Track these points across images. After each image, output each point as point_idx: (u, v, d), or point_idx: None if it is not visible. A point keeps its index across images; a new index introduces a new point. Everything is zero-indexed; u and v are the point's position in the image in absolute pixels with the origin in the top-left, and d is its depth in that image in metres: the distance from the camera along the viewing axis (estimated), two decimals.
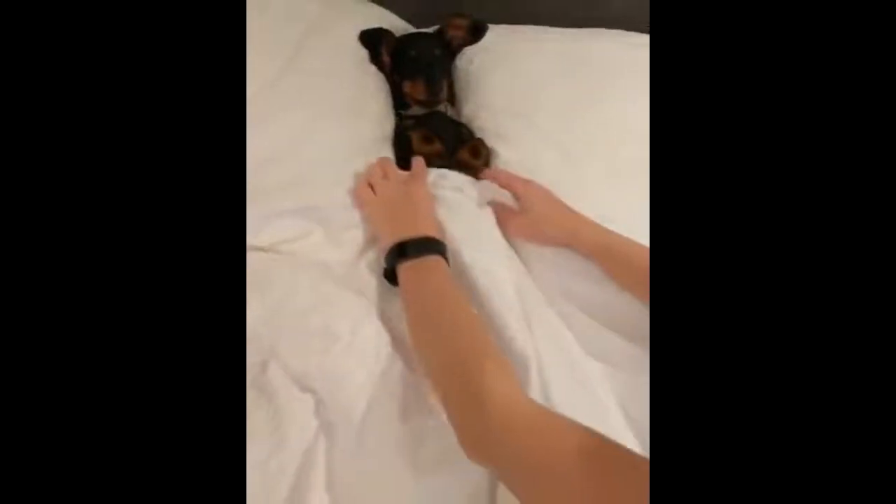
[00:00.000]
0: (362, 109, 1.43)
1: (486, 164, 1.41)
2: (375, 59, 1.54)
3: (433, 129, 1.49)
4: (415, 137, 1.44)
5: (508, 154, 1.42)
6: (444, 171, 1.34)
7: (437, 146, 1.39)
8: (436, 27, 1.63)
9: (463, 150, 1.40)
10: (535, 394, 0.92)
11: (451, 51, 1.62)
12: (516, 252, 1.23)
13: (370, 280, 1.12)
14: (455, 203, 1.22)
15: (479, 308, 1.03)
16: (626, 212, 1.29)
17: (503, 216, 1.27)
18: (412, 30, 1.68)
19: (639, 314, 1.05)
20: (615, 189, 1.33)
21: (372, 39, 1.54)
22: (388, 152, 1.42)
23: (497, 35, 1.60)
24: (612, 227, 1.17)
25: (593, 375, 1.02)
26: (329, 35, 1.46)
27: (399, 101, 1.57)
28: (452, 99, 1.62)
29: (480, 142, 1.45)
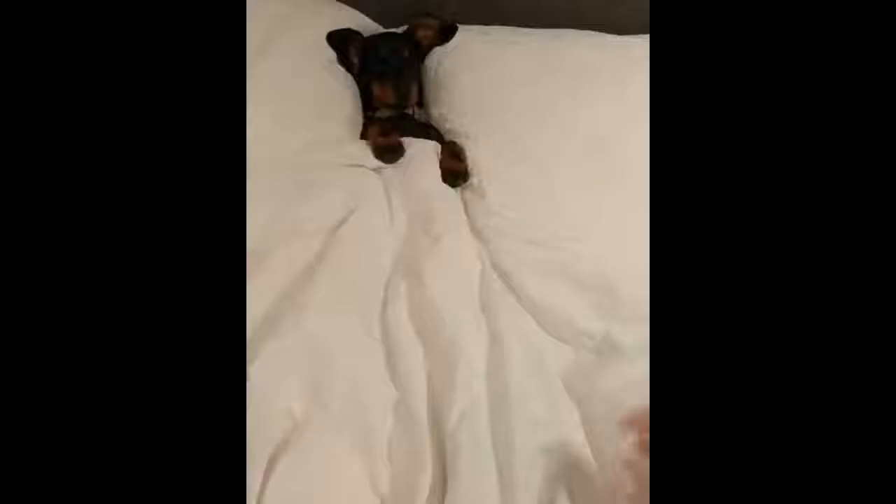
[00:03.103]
0: (329, 112, 1.43)
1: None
2: (344, 60, 1.54)
3: (401, 130, 1.48)
4: (371, 131, 1.43)
5: (475, 156, 1.41)
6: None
7: (394, 139, 1.39)
8: (405, 28, 1.63)
9: (444, 156, 1.40)
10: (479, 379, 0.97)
11: (421, 52, 1.61)
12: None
13: None
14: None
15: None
16: (596, 221, 1.29)
17: None
18: (381, 30, 1.68)
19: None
20: (585, 197, 1.32)
21: (340, 41, 1.54)
22: (355, 153, 1.40)
23: (467, 36, 1.60)
24: (580, 236, 1.19)
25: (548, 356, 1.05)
26: (295, 36, 1.45)
27: (368, 104, 1.56)
28: (421, 101, 1.61)
29: (454, 144, 1.45)
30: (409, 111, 1.56)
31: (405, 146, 1.41)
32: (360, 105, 1.54)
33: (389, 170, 1.38)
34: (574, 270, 1.20)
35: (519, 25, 1.63)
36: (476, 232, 1.29)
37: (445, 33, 1.60)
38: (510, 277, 1.21)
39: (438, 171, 1.40)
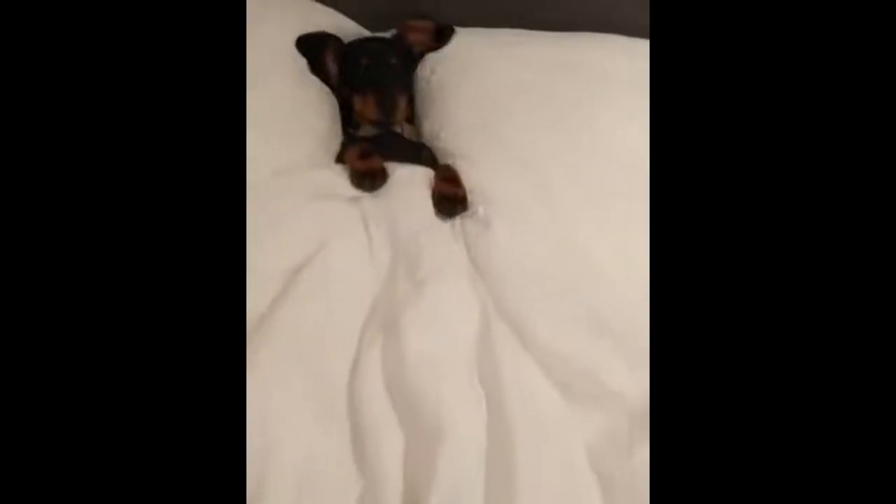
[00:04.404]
0: (297, 130, 1.24)
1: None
2: (317, 68, 1.35)
3: (386, 151, 1.28)
4: (349, 153, 1.24)
5: (471, 177, 1.24)
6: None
7: (375, 163, 1.20)
8: (393, 31, 1.45)
9: (437, 180, 1.23)
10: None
11: (412, 59, 1.42)
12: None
13: None
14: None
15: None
16: (605, 246, 1.14)
17: None
18: (366, 34, 1.49)
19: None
20: (592, 220, 1.17)
21: (312, 46, 1.35)
22: (328, 180, 1.21)
23: (465, 40, 1.42)
24: (587, 263, 1.07)
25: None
26: (257, 39, 1.21)
27: (349, 121, 1.37)
28: (412, 116, 1.41)
29: (448, 167, 1.27)
30: (398, 128, 1.37)
31: (390, 171, 1.22)
32: (337, 122, 1.36)
33: (370, 199, 1.19)
34: (599, 315, 1.04)
35: (525, 27, 1.47)
36: (478, 271, 1.11)
37: (440, 37, 1.43)
38: (520, 325, 1.02)
39: (429, 200, 1.21)
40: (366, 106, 1.31)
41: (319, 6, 1.46)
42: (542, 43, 1.43)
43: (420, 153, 1.33)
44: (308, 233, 1.10)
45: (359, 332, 0.98)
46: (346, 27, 1.47)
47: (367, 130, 1.35)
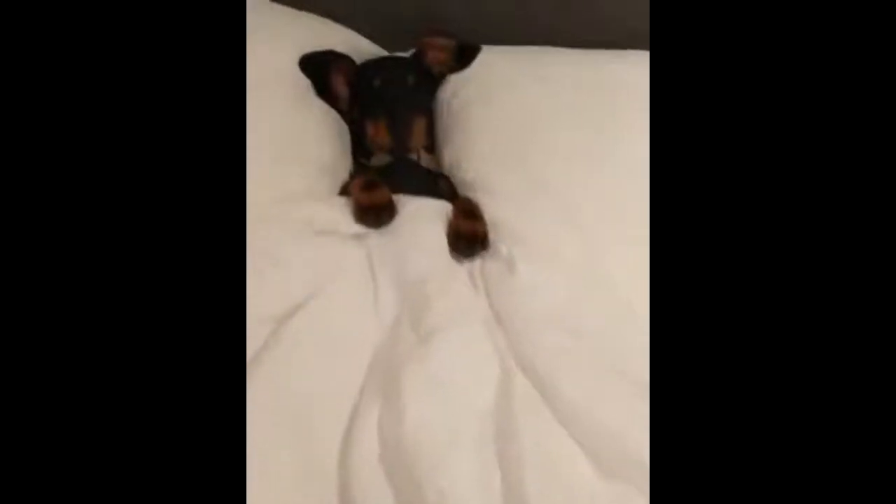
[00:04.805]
0: (297, 159, 1.12)
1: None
2: (324, 91, 1.24)
3: (399, 182, 1.15)
4: (355, 184, 1.12)
5: (496, 213, 1.12)
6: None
7: (381, 195, 1.08)
8: (413, 51, 1.33)
9: (454, 215, 1.10)
10: None
11: (432, 80, 1.30)
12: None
13: None
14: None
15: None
16: (644, 287, 0.98)
17: None
18: (383, 54, 1.38)
19: None
20: (630, 259, 1.04)
21: (318, 66, 1.24)
22: (329, 215, 1.08)
23: (490, 59, 1.30)
24: (616, 301, 1.01)
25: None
26: (255, 57, 1.10)
27: (361, 148, 1.25)
28: (432, 144, 1.28)
29: (468, 201, 1.15)
30: (414, 157, 1.24)
31: (400, 204, 1.09)
32: (346, 150, 1.23)
33: (375, 237, 1.06)
34: (627, 363, 0.92)
35: (559, 45, 1.33)
36: (499, 320, 0.99)
37: (463, 56, 1.29)
38: (545, 383, 0.90)
39: (444, 238, 1.08)
40: (377, 132, 1.19)
41: (330, 23, 1.34)
42: (573, 61, 1.30)
43: (437, 184, 1.21)
44: (301, 274, 0.98)
45: (355, 394, 0.87)
46: (359, 46, 1.35)
47: (380, 159, 1.23)
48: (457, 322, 0.95)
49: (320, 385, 0.86)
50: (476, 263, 1.07)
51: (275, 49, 1.18)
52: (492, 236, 1.09)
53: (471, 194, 1.16)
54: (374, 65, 1.27)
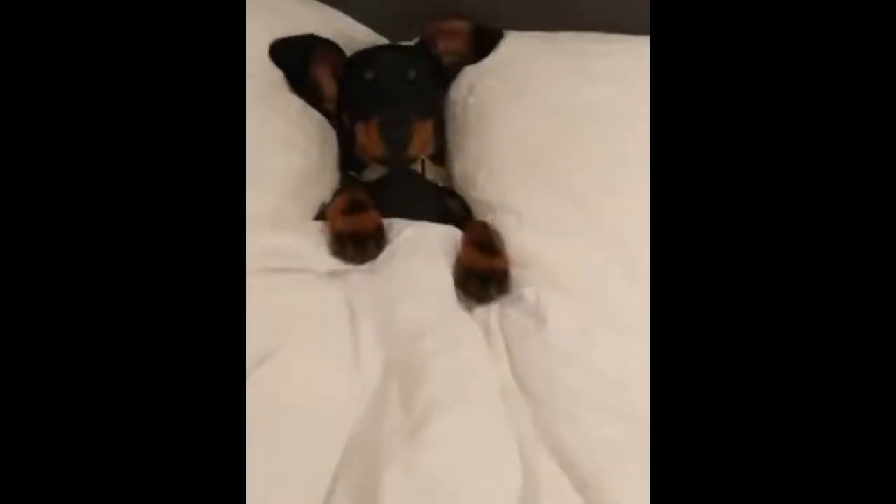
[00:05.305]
0: (260, 171, 0.88)
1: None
2: (299, 85, 1.04)
3: (395, 201, 0.96)
4: (335, 205, 0.93)
5: (521, 244, 0.92)
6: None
7: (367, 220, 0.89)
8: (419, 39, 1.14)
9: (465, 247, 0.91)
10: None
11: (442, 73, 1.10)
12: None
13: None
14: None
15: None
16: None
17: None
18: (381, 42, 1.18)
19: None
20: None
21: (294, 55, 1.05)
22: (299, 247, 0.88)
23: (514, 47, 1.10)
24: None
25: None
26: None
27: (350, 158, 1.06)
28: (440, 153, 1.08)
29: (484, 227, 0.95)
30: (417, 168, 1.03)
31: (393, 231, 0.90)
32: (328, 161, 1.04)
33: (358, 276, 0.86)
34: None
35: (598, 29, 1.13)
36: (524, 392, 0.81)
37: (482, 43, 1.10)
38: (590, 485, 0.72)
39: (450, 277, 0.88)
40: (369, 136, 0.98)
41: (316, 4, 1.15)
42: (618, 49, 1.08)
43: (444, 205, 1.03)
44: (254, 326, 0.73)
45: (325, 486, 0.69)
46: (354, 34, 1.16)
47: (374, 172, 1.02)
48: (463, 396, 0.74)
49: (277, 483, 0.66)
50: (492, 312, 0.87)
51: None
52: (515, 275, 0.89)
53: (489, 218, 0.97)
54: (366, 54, 1.08)
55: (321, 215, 0.95)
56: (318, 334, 0.79)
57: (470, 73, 1.09)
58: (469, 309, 0.86)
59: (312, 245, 0.86)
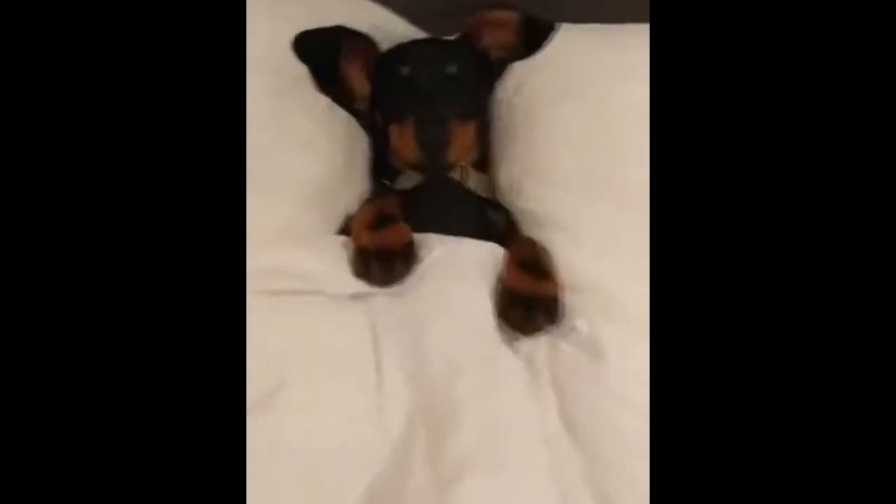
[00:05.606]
0: (276, 179, 0.83)
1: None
2: (327, 82, 0.96)
3: (430, 213, 0.88)
4: (360, 218, 0.84)
5: (575, 265, 0.82)
6: None
7: (395, 234, 0.80)
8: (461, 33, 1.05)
9: (509, 268, 0.81)
10: None
11: (487, 70, 1.00)
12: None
13: None
14: None
15: None
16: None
17: None
18: (420, 36, 1.09)
19: None
20: None
21: (321, 48, 0.96)
22: (315, 267, 0.78)
23: (566, 41, 1.00)
24: None
25: None
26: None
27: (384, 163, 0.97)
28: (484, 159, 0.98)
29: (531, 245, 0.86)
30: (456, 175, 0.93)
31: (425, 249, 0.79)
32: (356, 167, 0.94)
33: (383, 299, 0.77)
34: None
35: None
36: (573, 435, 0.71)
37: (532, 36, 1.00)
38: None
39: (489, 304, 0.77)
40: (403, 139, 0.89)
41: None
42: None
43: (486, 218, 0.92)
44: (261, 358, 0.67)
45: None
46: (390, 27, 1.06)
47: (408, 179, 0.93)
48: (501, 449, 0.65)
49: None
50: (539, 346, 0.76)
51: (260, 25, 0.91)
52: (566, 302, 0.79)
53: (537, 234, 0.87)
54: (402, 48, 0.99)
55: (346, 229, 0.85)
56: (334, 366, 0.70)
57: (518, 70, 0.99)
58: (511, 342, 0.75)
59: (330, 263, 0.76)
